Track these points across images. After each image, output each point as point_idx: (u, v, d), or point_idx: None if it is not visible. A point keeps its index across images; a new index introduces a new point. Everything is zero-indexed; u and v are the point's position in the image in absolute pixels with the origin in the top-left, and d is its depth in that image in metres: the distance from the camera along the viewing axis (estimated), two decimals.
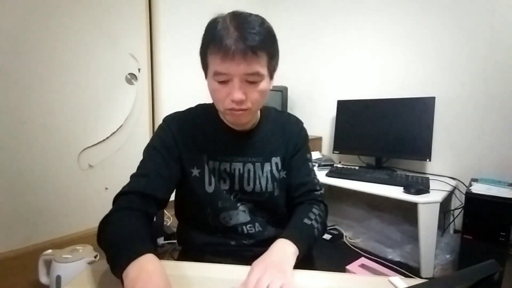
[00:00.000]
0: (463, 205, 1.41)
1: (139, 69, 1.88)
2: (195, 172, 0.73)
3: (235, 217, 0.75)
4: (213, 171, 0.73)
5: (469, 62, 1.64)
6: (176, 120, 0.76)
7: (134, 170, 0.74)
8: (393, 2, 1.91)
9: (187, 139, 0.73)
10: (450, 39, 1.69)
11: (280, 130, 0.80)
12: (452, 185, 1.55)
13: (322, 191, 0.81)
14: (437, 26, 1.74)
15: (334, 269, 0.61)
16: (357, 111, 1.96)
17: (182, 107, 0.82)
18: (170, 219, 1.95)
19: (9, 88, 1.41)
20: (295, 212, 0.76)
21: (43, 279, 1.19)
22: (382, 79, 1.99)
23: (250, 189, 0.75)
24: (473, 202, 1.30)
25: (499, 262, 1.24)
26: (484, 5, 1.56)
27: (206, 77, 0.68)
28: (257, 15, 0.64)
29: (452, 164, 1.73)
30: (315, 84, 2.37)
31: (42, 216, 1.55)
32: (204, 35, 0.65)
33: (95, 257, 1.19)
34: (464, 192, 1.37)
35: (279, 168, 0.78)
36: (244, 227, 0.75)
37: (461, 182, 1.63)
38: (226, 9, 0.69)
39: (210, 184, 0.73)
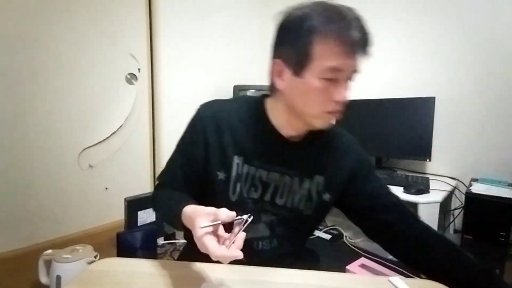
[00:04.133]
0: (463, 205, 1.41)
1: (139, 69, 1.88)
2: (221, 175, 0.66)
3: (253, 230, 0.67)
4: (246, 177, 0.66)
5: (469, 62, 1.64)
6: (212, 112, 0.67)
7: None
8: (393, 2, 1.91)
9: (220, 136, 0.65)
10: (450, 39, 1.69)
11: (330, 146, 0.71)
12: (452, 185, 1.55)
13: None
14: (437, 26, 1.73)
15: (334, 269, 0.61)
16: (357, 111, 1.96)
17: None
18: None
19: (9, 88, 1.41)
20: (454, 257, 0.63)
21: (43, 279, 1.19)
22: (382, 79, 1.99)
23: (281, 202, 0.68)
24: (473, 202, 1.29)
25: (499, 262, 1.24)
26: (485, 5, 1.56)
27: (296, 74, 0.57)
28: None
29: (452, 164, 1.72)
30: None
31: (42, 216, 1.55)
32: (303, 20, 0.54)
33: (95, 257, 1.19)
34: (464, 192, 1.37)
35: (321, 189, 0.69)
36: (260, 242, 0.69)
37: (461, 182, 1.63)
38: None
39: (234, 192, 0.66)
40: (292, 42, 0.56)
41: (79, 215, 1.68)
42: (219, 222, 0.47)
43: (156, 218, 1.68)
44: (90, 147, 1.70)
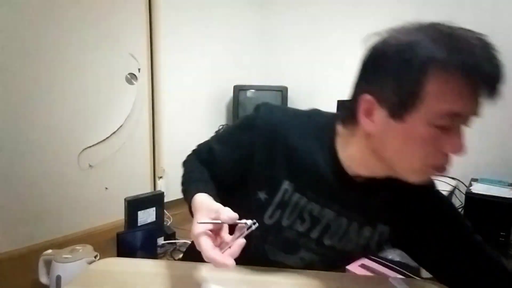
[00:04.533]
0: (463, 205, 1.41)
1: (139, 69, 1.88)
2: (261, 195, 0.57)
3: (286, 257, 0.60)
4: (294, 206, 0.56)
5: None
6: (272, 122, 0.57)
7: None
8: (393, 3, 1.91)
9: (272, 153, 0.56)
10: None
11: (402, 190, 0.53)
12: (452, 185, 1.55)
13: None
14: None
15: (334, 269, 0.61)
16: None
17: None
18: (170, 219, 1.95)
19: (9, 88, 1.42)
20: None
21: (43, 279, 1.19)
22: None
23: (330, 243, 0.58)
24: (473, 202, 1.30)
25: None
26: (485, 5, 1.56)
27: (395, 116, 0.44)
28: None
29: (452, 164, 1.72)
30: (315, 84, 2.36)
31: (42, 216, 1.55)
32: (412, 51, 0.41)
33: (95, 257, 1.19)
34: (464, 192, 1.37)
35: (383, 240, 0.58)
36: (286, 263, 0.61)
37: (461, 182, 1.62)
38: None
39: (271, 217, 0.57)
40: (394, 77, 0.43)
41: (79, 215, 1.68)
42: (219, 221, 0.45)
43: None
44: (90, 147, 1.70)
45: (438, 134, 0.43)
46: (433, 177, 0.58)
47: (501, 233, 1.23)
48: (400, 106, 0.43)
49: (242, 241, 0.43)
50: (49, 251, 1.21)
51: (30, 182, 1.50)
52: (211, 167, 0.63)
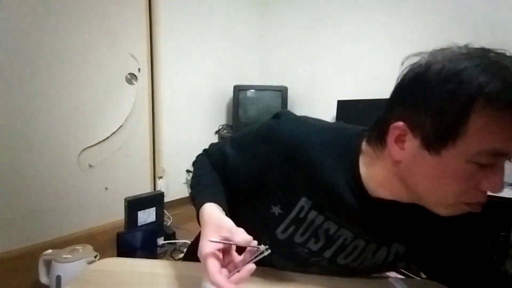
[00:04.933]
0: None
1: (139, 69, 1.88)
2: (276, 210, 0.55)
3: (296, 268, 0.59)
4: (310, 224, 0.54)
5: None
6: (293, 134, 0.53)
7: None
8: (393, 1, 1.91)
9: (291, 168, 0.52)
10: (450, 39, 1.69)
11: (418, 208, 0.50)
12: None
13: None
14: (438, 26, 1.74)
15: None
16: (357, 111, 1.96)
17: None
18: (170, 219, 1.95)
19: (9, 88, 1.41)
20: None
21: (43, 279, 1.19)
22: (382, 79, 1.99)
23: (344, 262, 0.56)
24: None
25: (499, 262, 1.24)
26: (485, 5, 1.56)
27: (430, 148, 0.41)
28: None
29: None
30: (315, 84, 2.36)
31: (42, 216, 1.55)
32: (457, 81, 0.37)
33: (95, 257, 1.19)
34: None
35: (398, 258, 0.56)
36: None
37: None
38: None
39: (284, 232, 0.55)
40: (435, 107, 0.39)
41: (79, 215, 1.68)
42: (232, 243, 0.43)
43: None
44: (90, 147, 1.70)
45: (476, 171, 0.39)
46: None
47: (501, 233, 1.23)
48: (437, 139, 0.40)
49: (252, 267, 0.42)
50: (49, 251, 1.21)
51: (30, 182, 1.50)
52: (223, 173, 0.61)
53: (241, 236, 0.43)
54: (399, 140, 0.44)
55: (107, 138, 1.76)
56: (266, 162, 0.54)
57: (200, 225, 0.51)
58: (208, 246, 0.43)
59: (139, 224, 1.61)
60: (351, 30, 2.12)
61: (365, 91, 2.05)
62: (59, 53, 1.55)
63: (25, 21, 1.43)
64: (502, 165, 0.40)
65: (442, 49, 0.43)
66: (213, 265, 0.42)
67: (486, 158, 0.38)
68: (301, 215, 0.54)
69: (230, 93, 2.32)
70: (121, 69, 1.80)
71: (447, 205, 0.43)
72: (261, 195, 0.55)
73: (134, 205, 1.60)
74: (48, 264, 1.17)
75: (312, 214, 0.53)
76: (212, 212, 0.50)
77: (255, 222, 0.55)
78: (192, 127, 2.16)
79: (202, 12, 2.15)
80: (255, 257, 0.42)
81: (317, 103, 2.32)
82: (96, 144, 1.72)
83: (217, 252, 0.43)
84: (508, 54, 0.38)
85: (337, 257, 0.56)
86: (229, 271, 0.44)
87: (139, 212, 1.61)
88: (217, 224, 0.47)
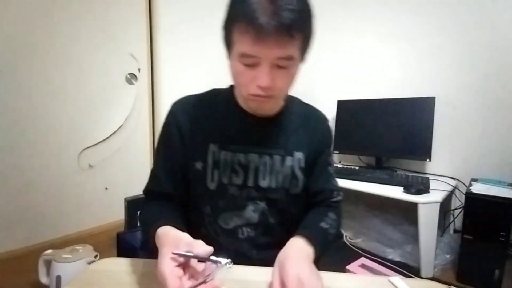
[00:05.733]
0: (463, 205, 1.41)
1: (139, 69, 1.88)
2: (198, 165, 0.65)
3: (237, 218, 0.66)
4: (224, 163, 0.64)
5: (469, 62, 1.64)
6: (183, 105, 0.68)
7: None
8: (393, 2, 1.91)
9: (193, 127, 0.66)
10: (450, 39, 1.69)
11: (305, 123, 0.71)
12: (452, 185, 1.55)
13: (341, 197, 0.75)
14: (437, 26, 1.73)
15: (334, 269, 0.61)
16: (357, 111, 1.96)
17: None
18: None
19: (9, 88, 1.42)
20: (310, 213, 0.69)
21: (43, 279, 1.19)
22: (382, 79, 1.99)
23: (266, 184, 0.65)
24: (473, 202, 1.29)
25: (499, 262, 1.24)
26: (485, 5, 1.56)
27: (228, 56, 0.59)
28: None
29: (452, 164, 1.72)
30: (315, 84, 2.36)
31: (42, 216, 1.55)
32: (230, 7, 0.54)
33: (95, 257, 1.19)
34: (464, 192, 1.37)
35: (302, 166, 0.68)
36: (250, 229, 0.66)
37: (461, 182, 1.63)
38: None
39: (212, 179, 0.64)
40: (223, 26, 0.58)
41: (79, 215, 1.68)
42: (192, 255, 0.43)
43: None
44: (90, 147, 1.70)
45: (246, 70, 0.54)
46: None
47: (501, 233, 1.23)
48: (227, 48, 0.59)
49: (215, 284, 0.43)
50: (49, 251, 1.21)
51: (30, 182, 1.50)
52: (166, 175, 0.67)
53: (201, 248, 0.44)
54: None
55: (107, 138, 1.76)
56: (177, 130, 0.66)
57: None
58: (166, 264, 0.43)
59: (139, 224, 1.61)
60: (351, 30, 2.12)
61: (365, 91, 2.05)
62: (59, 53, 1.55)
63: (25, 22, 1.44)
64: (265, 66, 0.53)
65: None
66: (172, 278, 0.42)
67: (244, 59, 0.54)
68: (216, 159, 0.64)
69: None
70: (121, 69, 1.80)
71: (245, 98, 0.61)
72: (187, 157, 0.66)
73: (134, 205, 1.60)
74: (48, 264, 1.17)
75: (223, 154, 0.65)
76: (166, 232, 0.52)
77: (194, 189, 0.66)
78: None
79: (202, 12, 2.15)
80: (217, 272, 0.41)
81: (317, 103, 2.31)
82: (96, 144, 1.72)
83: (176, 269, 0.43)
84: None
85: (259, 181, 0.65)
86: (196, 279, 0.43)
87: (139, 212, 1.61)
88: (173, 241, 0.47)
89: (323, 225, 0.64)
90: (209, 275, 0.42)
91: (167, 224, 0.54)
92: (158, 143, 0.70)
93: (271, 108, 0.66)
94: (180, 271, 0.44)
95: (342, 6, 2.16)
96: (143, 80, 1.91)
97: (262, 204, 0.66)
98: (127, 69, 1.83)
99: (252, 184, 0.65)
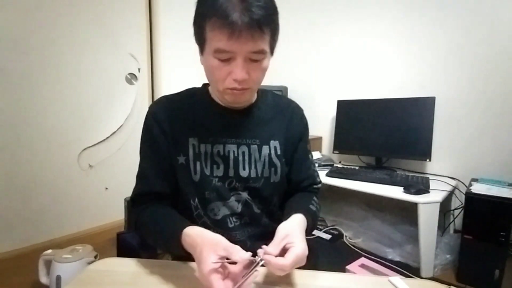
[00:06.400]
0: (463, 205, 1.41)
1: (139, 69, 1.88)
2: (181, 159, 0.67)
3: (225, 207, 0.68)
4: (205, 155, 0.67)
5: (469, 62, 1.64)
6: (161, 105, 0.71)
7: (134, 170, 0.74)
8: (393, 2, 1.91)
9: (173, 125, 0.68)
10: (450, 39, 1.69)
11: (279, 113, 0.75)
12: (452, 185, 1.55)
13: (320, 184, 0.81)
14: (437, 26, 1.73)
15: (334, 269, 0.61)
16: (357, 111, 1.96)
17: None
18: None
19: (9, 88, 1.42)
20: (296, 197, 0.74)
21: (43, 279, 1.19)
22: (382, 79, 1.99)
23: (246, 174, 0.69)
24: (473, 202, 1.29)
25: (499, 262, 1.24)
26: (485, 5, 1.56)
27: (201, 53, 0.62)
28: None
29: (452, 164, 1.72)
30: (315, 84, 2.36)
31: (42, 216, 1.55)
32: (199, 4, 0.58)
33: (95, 257, 1.19)
34: (464, 192, 1.37)
35: (278, 153, 0.72)
36: (235, 218, 0.69)
37: (461, 182, 1.62)
38: None
39: (195, 172, 0.67)
40: (194, 24, 0.61)
41: (79, 215, 1.68)
42: (230, 260, 0.47)
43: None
44: (90, 147, 1.70)
45: (222, 65, 0.57)
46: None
47: (501, 233, 1.23)
48: (200, 45, 0.61)
49: (250, 281, 0.47)
50: (49, 251, 1.21)
51: (30, 182, 1.50)
52: (155, 175, 0.68)
53: (239, 254, 0.47)
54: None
55: (107, 138, 1.76)
56: (159, 128, 0.67)
57: (183, 251, 0.54)
58: (209, 264, 0.46)
59: (135, 228, 1.61)
60: (351, 30, 2.12)
61: (365, 91, 2.05)
62: (59, 53, 1.55)
63: (25, 22, 1.44)
64: (239, 60, 0.56)
65: None
66: (218, 282, 0.45)
67: (219, 55, 0.56)
68: (197, 151, 0.67)
69: None
70: (121, 69, 1.81)
71: (221, 92, 0.62)
72: (171, 153, 0.68)
73: None
74: (48, 264, 1.17)
75: (202, 147, 0.67)
76: (199, 233, 0.54)
77: (181, 182, 0.68)
78: None
79: None
80: (252, 269, 0.47)
81: (317, 103, 2.32)
82: (96, 144, 1.73)
83: (219, 269, 0.47)
84: None
85: (239, 172, 0.68)
86: (234, 283, 0.47)
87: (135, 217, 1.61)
88: (211, 243, 0.50)
89: (312, 207, 0.69)
90: (246, 274, 0.47)
91: (186, 225, 0.56)
92: (142, 146, 0.72)
93: (247, 100, 0.69)
94: (221, 272, 0.47)
95: (342, 6, 2.16)
96: (143, 80, 1.91)
97: (244, 195, 0.70)
98: (127, 69, 1.83)
99: (232, 174, 0.68)
